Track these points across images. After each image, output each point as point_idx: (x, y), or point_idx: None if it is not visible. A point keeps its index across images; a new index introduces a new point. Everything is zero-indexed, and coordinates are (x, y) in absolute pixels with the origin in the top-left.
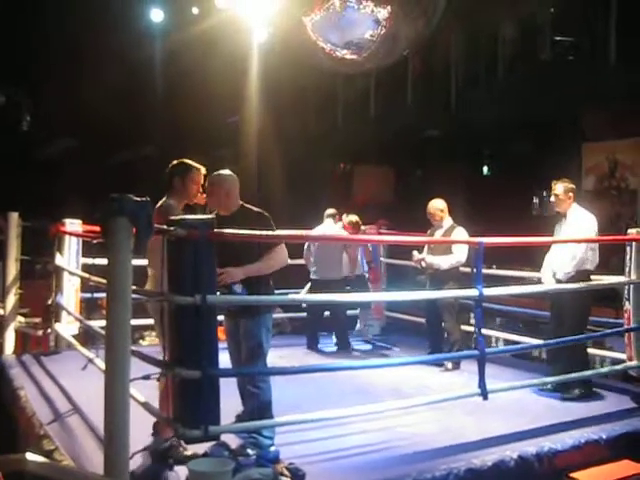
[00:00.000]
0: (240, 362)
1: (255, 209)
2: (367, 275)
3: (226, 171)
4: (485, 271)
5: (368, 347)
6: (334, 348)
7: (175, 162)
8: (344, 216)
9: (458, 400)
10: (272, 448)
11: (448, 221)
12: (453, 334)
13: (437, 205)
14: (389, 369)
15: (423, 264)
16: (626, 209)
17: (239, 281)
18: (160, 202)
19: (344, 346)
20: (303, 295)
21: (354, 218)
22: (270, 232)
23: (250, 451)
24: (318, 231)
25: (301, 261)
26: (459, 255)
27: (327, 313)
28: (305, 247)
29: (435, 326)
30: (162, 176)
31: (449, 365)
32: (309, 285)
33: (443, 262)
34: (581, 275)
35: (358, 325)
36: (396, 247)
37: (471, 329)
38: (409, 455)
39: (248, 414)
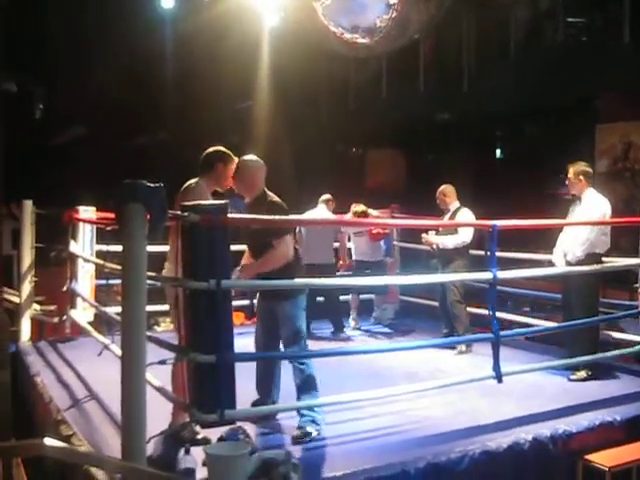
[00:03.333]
0: (267, 346)
1: (271, 198)
2: (388, 259)
3: (252, 156)
4: (498, 254)
5: (386, 330)
6: (357, 332)
7: (216, 148)
8: (353, 206)
9: (472, 383)
10: None
11: (455, 204)
12: (459, 316)
13: (441, 190)
14: (403, 353)
15: (434, 246)
16: None
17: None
18: (190, 182)
19: (338, 331)
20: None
21: (360, 209)
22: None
23: (309, 429)
24: (308, 216)
25: None
26: (464, 235)
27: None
28: (296, 231)
29: (447, 309)
30: (197, 158)
31: (463, 348)
32: None
33: (448, 241)
34: (590, 258)
35: (375, 311)
36: (408, 231)
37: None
38: (424, 438)
39: (297, 388)
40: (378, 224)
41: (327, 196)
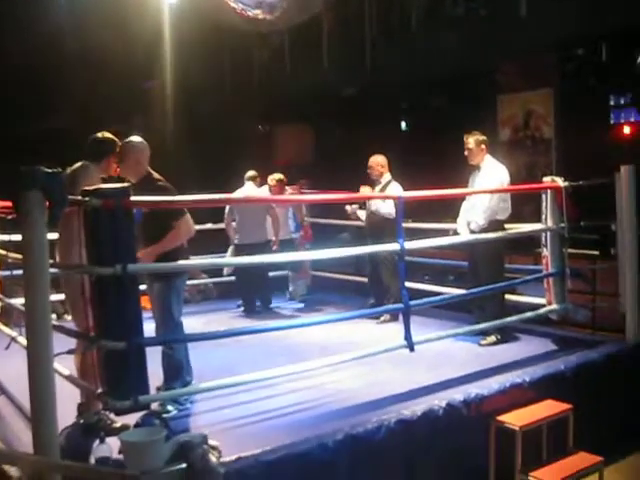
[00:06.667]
0: (157, 328)
1: (158, 181)
2: (297, 236)
3: (136, 138)
4: (408, 225)
5: (299, 306)
6: (297, 304)
7: (107, 136)
8: (269, 178)
9: (386, 354)
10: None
11: (387, 176)
12: (391, 288)
13: (377, 160)
14: (317, 328)
15: (359, 214)
16: (541, 158)
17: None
18: (77, 165)
19: (266, 307)
20: (226, 259)
21: (278, 176)
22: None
23: (170, 407)
24: (239, 194)
25: (221, 225)
26: (390, 206)
27: None
28: (226, 211)
29: (376, 280)
30: (84, 144)
31: (387, 317)
32: (231, 249)
33: (383, 207)
34: (493, 225)
35: (290, 287)
36: (316, 207)
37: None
38: (340, 410)
39: (163, 372)
40: (302, 200)
41: (252, 173)
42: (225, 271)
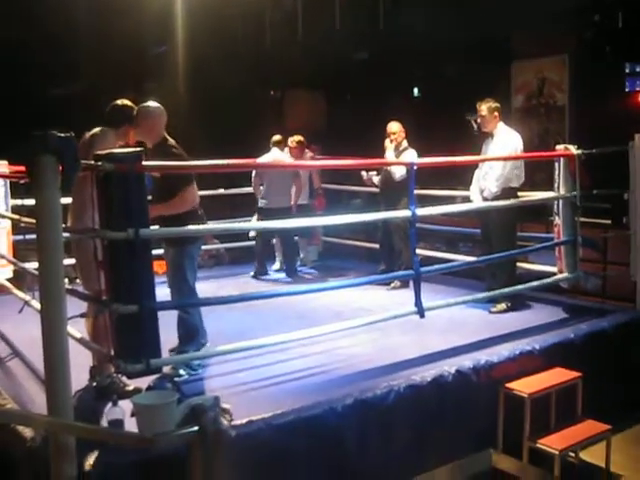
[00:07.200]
0: (171, 292)
1: (173, 147)
2: (310, 202)
3: (153, 103)
4: (421, 192)
5: (311, 272)
6: (282, 274)
7: (126, 104)
8: (289, 140)
9: (397, 320)
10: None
11: (404, 143)
12: (403, 254)
13: (399, 126)
14: (329, 294)
15: (374, 180)
16: (555, 125)
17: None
18: (95, 130)
19: (291, 272)
20: (238, 224)
21: (298, 138)
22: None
23: (182, 371)
24: (265, 159)
25: (248, 189)
26: (403, 170)
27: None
28: (253, 175)
29: (387, 247)
30: (97, 111)
31: (397, 283)
32: (257, 214)
33: (397, 171)
34: (506, 193)
35: (301, 253)
36: (325, 173)
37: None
38: (350, 375)
39: (178, 337)
40: (325, 165)
41: (278, 137)
42: (250, 235)
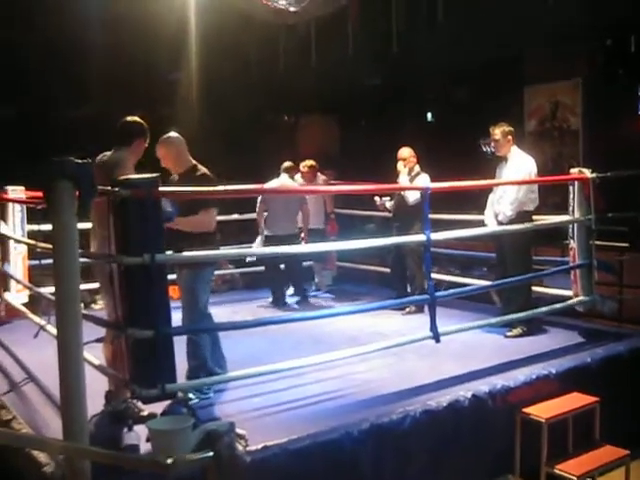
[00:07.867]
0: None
1: (201, 170)
2: (324, 227)
3: (173, 133)
4: (434, 216)
5: (326, 297)
6: (293, 300)
7: (135, 120)
8: (301, 165)
9: (412, 345)
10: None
11: (416, 168)
12: (417, 279)
13: (411, 152)
14: (344, 318)
15: (387, 205)
16: (568, 149)
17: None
18: (107, 154)
19: (301, 299)
20: (254, 249)
21: (310, 162)
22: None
23: (192, 395)
24: (273, 185)
25: (248, 216)
26: (417, 195)
27: (282, 266)
28: (259, 201)
29: (399, 272)
30: (115, 130)
31: (412, 308)
32: (260, 239)
33: (410, 195)
34: (521, 217)
35: (316, 278)
36: (339, 198)
37: (441, 277)
38: (366, 401)
39: (187, 362)
40: (337, 191)
41: (288, 164)
42: (248, 259)
